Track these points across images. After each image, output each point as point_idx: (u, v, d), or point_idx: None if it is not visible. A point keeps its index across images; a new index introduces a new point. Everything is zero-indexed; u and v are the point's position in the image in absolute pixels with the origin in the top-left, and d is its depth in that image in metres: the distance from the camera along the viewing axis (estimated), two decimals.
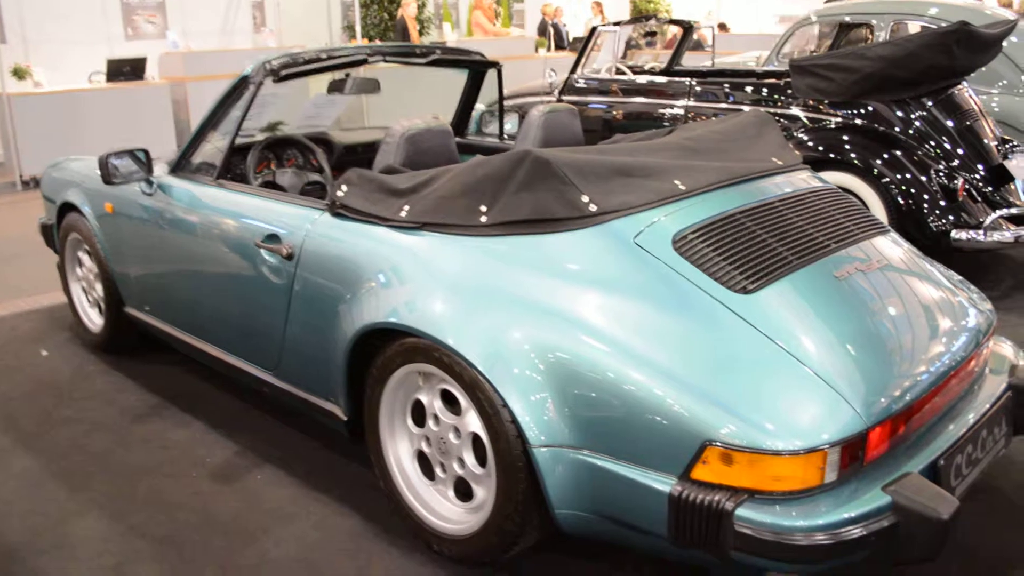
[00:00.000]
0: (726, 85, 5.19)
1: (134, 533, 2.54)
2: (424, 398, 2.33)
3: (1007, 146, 4.56)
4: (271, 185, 3.41)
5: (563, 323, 2.01)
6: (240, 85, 3.04)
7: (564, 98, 5.67)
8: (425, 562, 2.35)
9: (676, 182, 2.28)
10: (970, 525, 2.37)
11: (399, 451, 2.44)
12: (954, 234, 4.09)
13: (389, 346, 2.33)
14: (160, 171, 3.31)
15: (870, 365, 1.95)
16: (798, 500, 1.79)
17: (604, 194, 2.16)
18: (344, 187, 2.57)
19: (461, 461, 2.27)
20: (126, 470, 2.90)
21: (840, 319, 2.04)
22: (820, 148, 4.49)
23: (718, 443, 1.79)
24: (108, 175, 3.09)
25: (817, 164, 4.49)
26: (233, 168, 3.47)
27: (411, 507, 2.40)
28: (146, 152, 3.18)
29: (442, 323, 2.16)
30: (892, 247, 2.45)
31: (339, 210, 2.56)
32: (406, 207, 2.40)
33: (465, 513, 2.31)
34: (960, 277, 2.59)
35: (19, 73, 7.96)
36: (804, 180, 2.58)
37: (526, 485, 2.05)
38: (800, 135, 4.61)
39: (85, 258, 3.84)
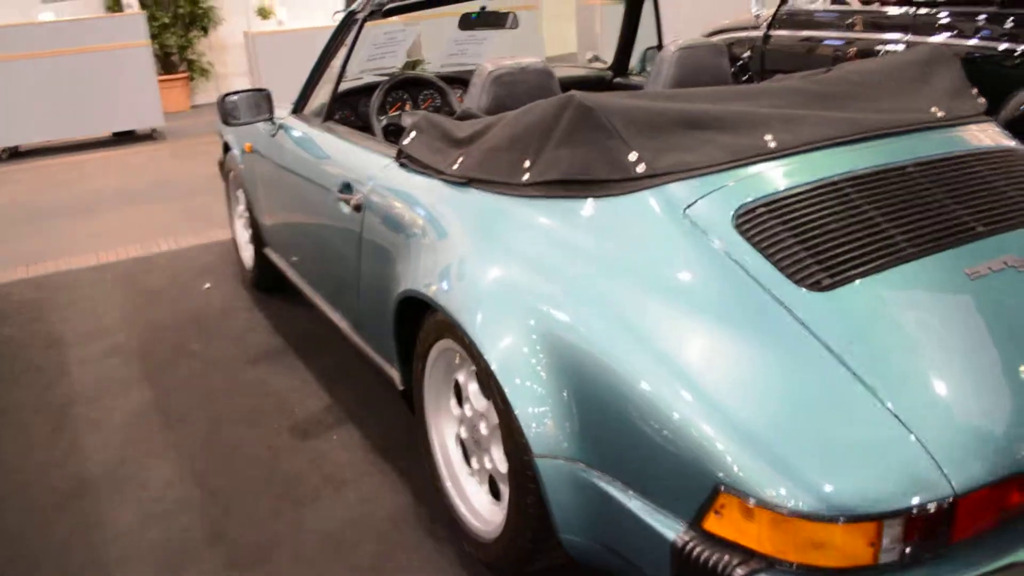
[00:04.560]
0: (967, 16, 4.27)
1: (195, 482, 2.50)
2: (461, 379, 2.05)
3: None
4: (397, 128, 3.23)
5: (584, 315, 1.62)
6: (348, 21, 2.85)
7: (773, 33, 4.99)
8: (450, 564, 2.09)
9: (766, 137, 1.78)
10: None
11: (443, 432, 2.19)
12: None
13: (428, 317, 2.06)
14: (284, 112, 3.23)
15: (984, 405, 1.39)
16: None
17: (660, 151, 1.72)
18: (412, 134, 2.31)
19: (491, 454, 1.98)
20: (220, 415, 2.88)
21: (951, 334, 1.48)
22: None
23: (733, 490, 1.35)
24: (226, 115, 3.04)
25: None
26: (359, 109, 3.33)
27: (449, 495, 2.15)
28: (267, 92, 3.09)
29: (463, 302, 1.84)
30: None
31: (403, 160, 2.31)
32: (460, 159, 2.10)
33: (496, 512, 2.02)
34: None
35: (263, 13, 8.40)
36: (973, 139, 1.95)
37: (535, 498, 1.72)
38: None
39: (241, 196, 3.90)
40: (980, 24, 4.22)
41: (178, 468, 2.58)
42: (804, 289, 1.51)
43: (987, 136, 1.99)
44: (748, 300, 1.52)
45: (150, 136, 8.05)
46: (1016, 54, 3.96)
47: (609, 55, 3.78)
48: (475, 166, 2.03)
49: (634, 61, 3.81)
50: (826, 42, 4.87)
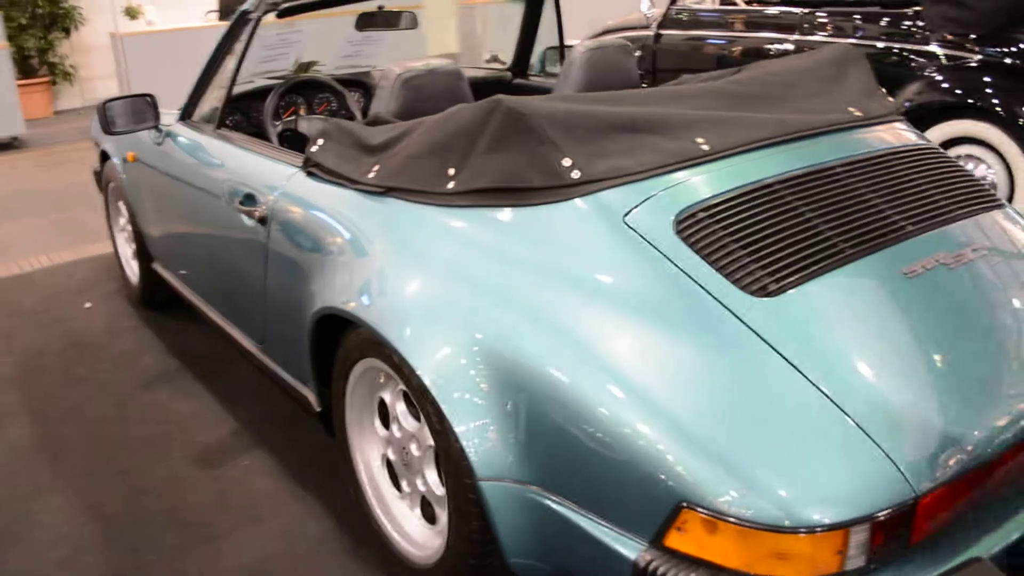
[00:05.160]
0: (846, 16, 4.42)
1: (95, 519, 2.30)
2: (387, 398, 1.95)
3: None
4: (293, 134, 3.08)
5: (522, 328, 1.55)
6: (240, 21, 2.69)
7: (663, 32, 5.04)
8: None
9: (698, 140, 1.75)
10: None
11: (368, 455, 2.08)
12: None
13: (348, 335, 1.95)
14: (171, 119, 3.03)
15: (934, 404, 1.40)
16: None
17: (593, 156, 1.67)
18: (320, 141, 2.18)
19: (424, 477, 1.88)
20: (113, 445, 2.67)
21: (897, 334, 1.49)
22: (956, 91, 3.74)
23: (697, 506, 1.31)
24: (107, 123, 2.82)
25: (951, 111, 3.77)
26: (251, 114, 3.16)
27: (378, 521, 2.04)
28: (151, 98, 2.89)
29: (389, 317, 1.74)
30: (1005, 230, 1.84)
31: (312, 168, 2.18)
32: (376, 167, 1.99)
33: (431, 537, 1.93)
34: None
35: (131, 13, 7.97)
36: (890, 137, 1.99)
37: (480, 523, 1.64)
38: (933, 75, 3.86)
39: (124, 208, 3.64)
40: (859, 23, 4.38)
41: (72, 508, 2.37)
42: (751, 295, 1.48)
43: (902, 135, 2.02)
44: (696, 308, 1.48)
45: (10, 145, 7.51)
46: (894, 52, 4.13)
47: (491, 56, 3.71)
48: (393, 174, 1.93)
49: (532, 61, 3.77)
50: (718, 42, 4.95)
